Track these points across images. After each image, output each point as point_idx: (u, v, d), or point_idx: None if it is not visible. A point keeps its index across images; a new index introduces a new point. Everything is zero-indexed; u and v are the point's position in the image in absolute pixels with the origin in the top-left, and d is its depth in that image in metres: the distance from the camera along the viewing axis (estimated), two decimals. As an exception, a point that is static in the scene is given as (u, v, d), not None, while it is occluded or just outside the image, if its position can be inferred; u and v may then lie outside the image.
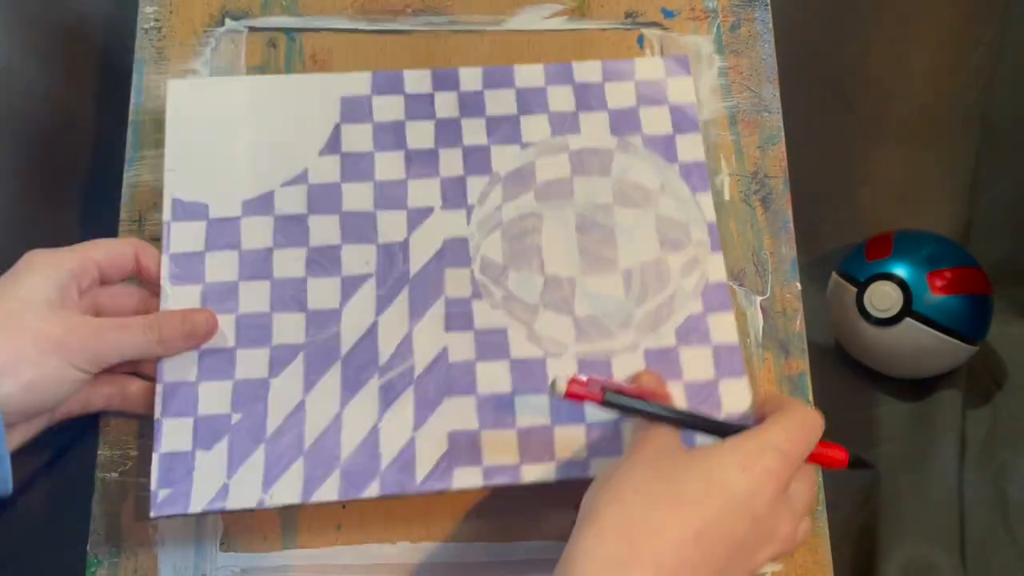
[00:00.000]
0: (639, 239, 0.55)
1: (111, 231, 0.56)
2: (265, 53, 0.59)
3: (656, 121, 0.58)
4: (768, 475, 0.43)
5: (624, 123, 0.58)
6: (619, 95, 0.58)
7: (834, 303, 0.90)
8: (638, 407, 0.47)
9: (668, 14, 0.61)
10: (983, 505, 0.84)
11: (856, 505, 0.86)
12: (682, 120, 0.58)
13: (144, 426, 0.53)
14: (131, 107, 0.58)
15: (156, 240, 0.56)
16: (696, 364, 0.53)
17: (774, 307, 0.56)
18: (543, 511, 0.53)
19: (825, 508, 0.53)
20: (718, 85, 0.60)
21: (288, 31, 0.60)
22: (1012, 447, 0.86)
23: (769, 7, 0.61)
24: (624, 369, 0.53)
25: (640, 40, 0.60)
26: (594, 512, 0.42)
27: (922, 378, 0.89)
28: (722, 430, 0.47)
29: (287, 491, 0.50)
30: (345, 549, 0.52)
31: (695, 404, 0.52)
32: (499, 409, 0.52)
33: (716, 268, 0.55)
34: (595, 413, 0.51)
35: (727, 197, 0.58)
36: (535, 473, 0.51)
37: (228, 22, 0.60)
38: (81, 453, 0.57)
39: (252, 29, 0.60)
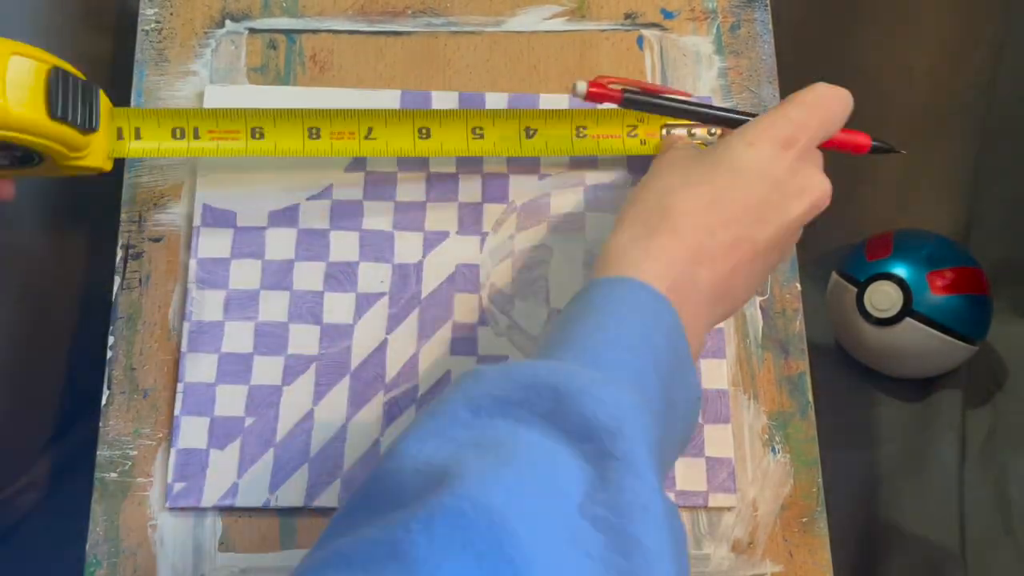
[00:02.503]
0: None
1: (112, 231, 0.56)
2: (265, 54, 0.60)
3: None
4: (778, 142, 0.45)
5: (640, 159, 0.58)
6: None
7: (834, 303, 0.90)
8: (657, 102, 0.47)
9: (668, 15, 0.61)
10: (983, 505, 0.84)
11: (856, 505, 0.86)
12: None
13: (144, 426, 0.53)
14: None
15: (155, 240, 0.56)
16: None
17: (774, 307, 0.56)
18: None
19: (825, 508, 0.53)
20: (718, 86, 0.60)
21: (288, 32, 0.60)
22: (1012, 447, 0.86)
23: (769, 7, 0.61)
24: None
25: (640, 41, 0.61)
26: (617, 217, 0.46)
27: (922, 378, 0.89)
28: (743, 121, 0.48)
29: (292, 494, 0.52)
30: (345, 549, 0.52)
31: None
32: None
33: None
34: None
35: (726, 198, 0.58)
36: None
37: (228, 24, 0.60)
38: (81, 452, 0.58)
39: (252, 31, 0.60)
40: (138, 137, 0.51)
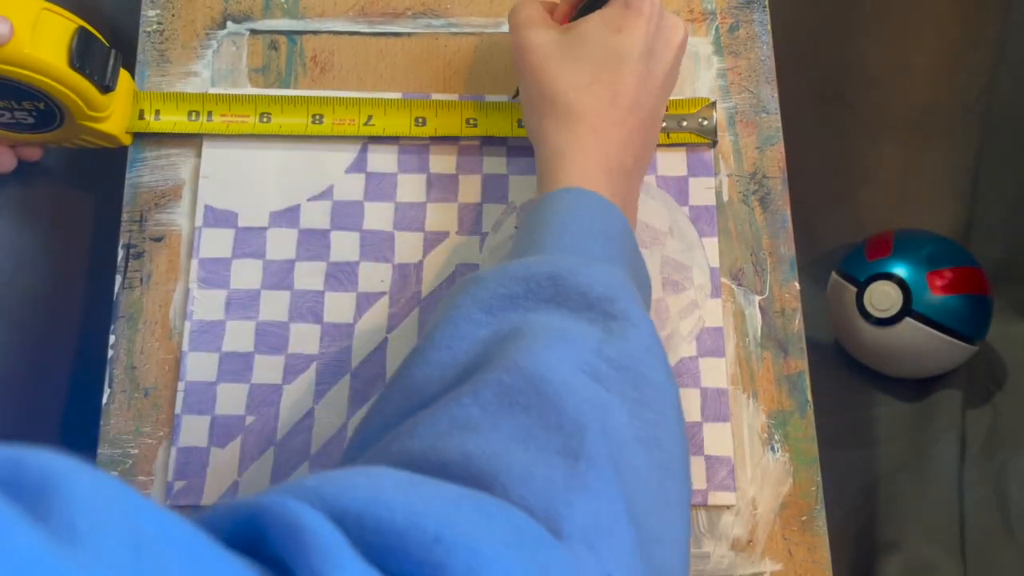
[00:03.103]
0: None
1: (113, 230, 0.57)
2: (266, 55, 0.60)
3: (672, 163, 0.58)
4: (641, 16, 0.50)
5: None
6: None
7: (834, 303, 0.90)
8: None
9: (667, 15, 0.61)
10: (983, 505, 0.84)
11: (856, 505, 0.86)
12: (697, 164, 0.58)
13: (145, 425, 0.53)
14: (133, 109, 0.58)
15: (156, 240, 0.56)
16: (684, 406, 0.54)
17: (773, 307, 0.56)
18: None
19: (824, 508, 0.53)
20: (716, 86, 0.60)
21: (289, 34, 0.60)
22: (1012, 447, 0.86)
23: (767, 9, 0.62)
24: None
25: (639, 41, 0.61)
26: (532, 131, 0.51)
27: (922, 378, 0.89)
28: None
29: None
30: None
31: None
32: None
33: (713, 313, 0.55)
34: None
35: (726, 198, 0.58)
36: None
37: (230, 25, 0.60)
38: (82, 451, 0.58)
39: (253, 32, 0.60)
40: (157, 118, 0.57)
